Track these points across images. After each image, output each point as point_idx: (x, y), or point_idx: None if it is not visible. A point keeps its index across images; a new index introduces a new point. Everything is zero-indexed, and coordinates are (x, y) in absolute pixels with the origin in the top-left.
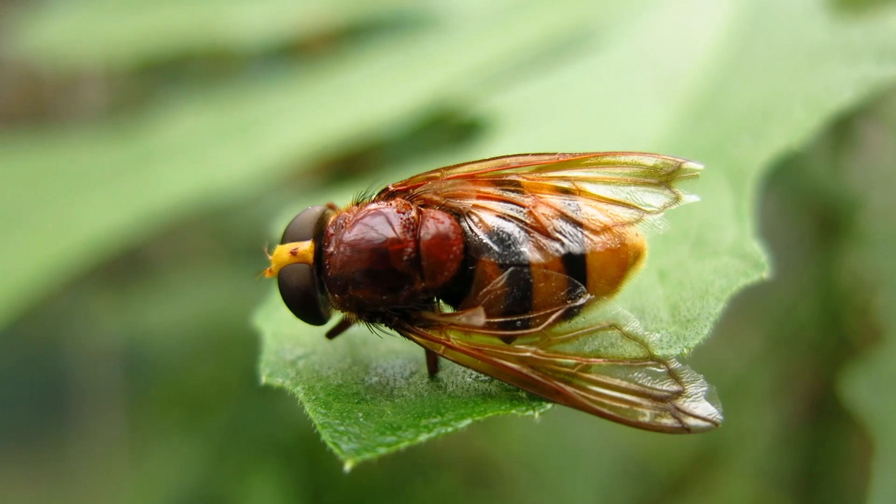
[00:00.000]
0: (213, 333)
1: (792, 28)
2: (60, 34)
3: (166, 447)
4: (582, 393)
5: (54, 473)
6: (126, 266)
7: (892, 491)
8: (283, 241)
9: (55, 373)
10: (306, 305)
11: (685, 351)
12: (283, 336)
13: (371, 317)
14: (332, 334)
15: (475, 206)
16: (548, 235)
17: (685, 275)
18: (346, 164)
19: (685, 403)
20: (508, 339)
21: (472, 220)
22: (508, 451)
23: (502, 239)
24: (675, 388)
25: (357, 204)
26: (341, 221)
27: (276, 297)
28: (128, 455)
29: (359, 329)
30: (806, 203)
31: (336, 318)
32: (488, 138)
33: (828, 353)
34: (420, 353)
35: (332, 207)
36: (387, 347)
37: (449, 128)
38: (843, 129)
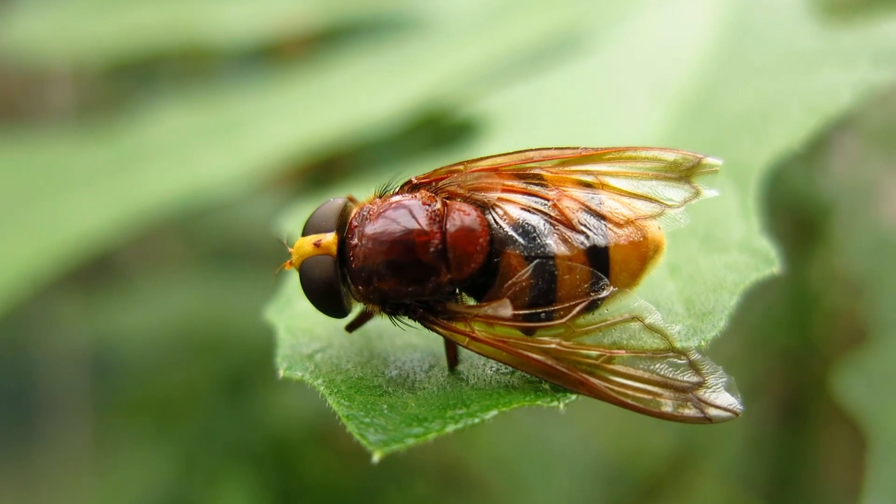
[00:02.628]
0: (183, 338)
1: (780, 32)
2: (31, 32)
3: (135, 454)
4: (606, 384)
5: (21, 481)
6: (94, 269)
7: (887, 486)
8: (304, 234)
9: (21, 378)
10: (329, 297)
11: (703, 343)
12: (297, 330)
13: (395, 309)
14: (351, 327)
15: (500, 199)
16: (572, 228)
17: (696, 270)
18: (323, 169)
19: (706, 394)
20: (529, 332)
21: (496, 212)
22: (482, 456)
23: (527, 231)
24: (695, 378)
25: (380, 196)
26: (365, 213)
27: (287, 292)
28: (95, 462)
29: (374, 323)
30: (781, 208)
31: (356, 311)
32: (480, 140)
33: (800, 356)
34: (437, 346)
35: (352, 200)
36: (403, 341)
37: (429, 132)
38: (817, 137)
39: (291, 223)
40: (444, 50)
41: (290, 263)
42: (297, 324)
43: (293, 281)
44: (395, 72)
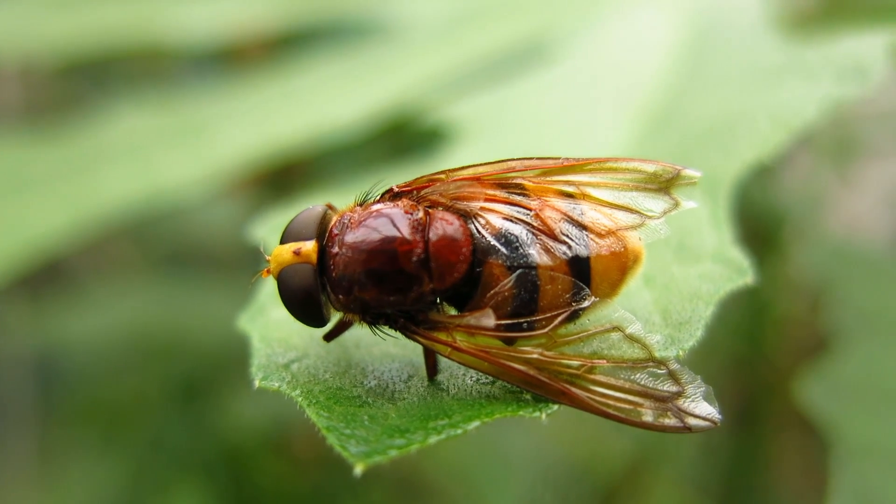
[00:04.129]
0: (134, 345)
1: (742, 47)
2: None
3: (82, 464)
4: (587, 394)
5: None
6: (42, 273)
7: (850, 489)
8: (282, 241)
9: None
10: (308, 306)
11: (680, 353)
12: (271, 339)
13: (375, 318)
14: (329, 336)
15: (482, 209)
16: (555, 238)
17: (671, 280)
18: (280, 176)
19: (685, 403)
20: (510, 341)
21: (478, 222)
22: (440, 464)
23: (510, 241)
24: (675, 388)
25: (360, 205)
26: (346, 221)
27: (260, 300)
28: (41, 472)
29: (351, 332)
30: (735, 218)
31: (333, 320)
32: (445, 149)
33: (753, 363)
34: (415, 356)
35: (330, 208)
36: (381, 351)
37: (388, 141)
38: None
39: (263, 230)
40: (409, 56)
41: (268, 271)
42: (271, 333)
43: (266, 289)
44: (360, 77)
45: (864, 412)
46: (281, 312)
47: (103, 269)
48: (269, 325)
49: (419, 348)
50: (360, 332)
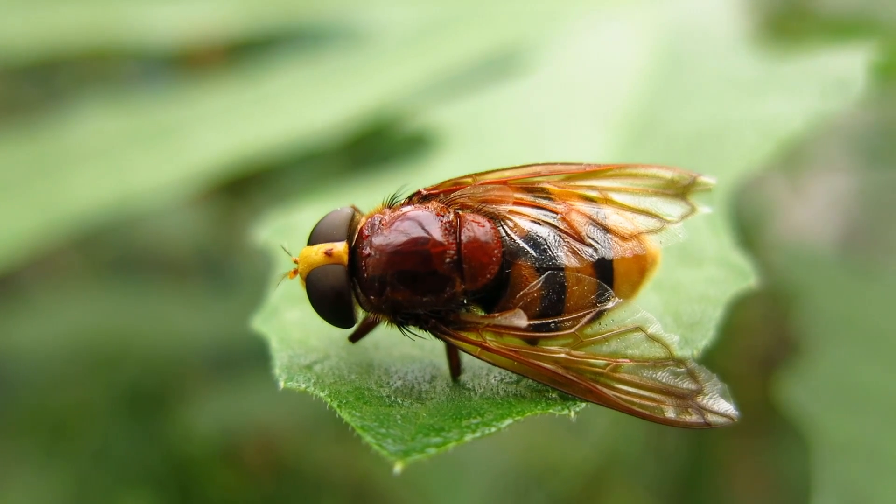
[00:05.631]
0: (79, 354)
1: (714, 60)
2: None
3: (22, 476)
4: (612, 392)
5: None
6: None
7: (833, 487)
8: (310, 243)
9: None
10: (339, 307)
11: (694, 352)
12: (291, 341)
13: (406, 319)
14: (355, 337)
15: (510, 212)
16: (581, 241)
17: (677, 283)
18: (229, 188)
19: (704, 400)
20: (533, 341)
21: (507, 224)
22: (392, 471)
23: (538, 243)
24: (694, 386)
25: (389, 206)
26: (376, 223)
27: (273, 302)
28: None
29: (369, 334)
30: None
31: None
32: (426, 156)
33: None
34: (435, 357)
35: (356, 210)
36: (400, 352)
37: (347, 153)
38: None
39: (265, 233)
40: (382, 63)
41: (295, 272)
42: (289, 334)
43: (277, 291)
44: (333, 82)
45: (842, 412)
46: (295, 314)
47: (49, 276)
48: (285, 327)
49: (437, 349)
50: (377, 334)
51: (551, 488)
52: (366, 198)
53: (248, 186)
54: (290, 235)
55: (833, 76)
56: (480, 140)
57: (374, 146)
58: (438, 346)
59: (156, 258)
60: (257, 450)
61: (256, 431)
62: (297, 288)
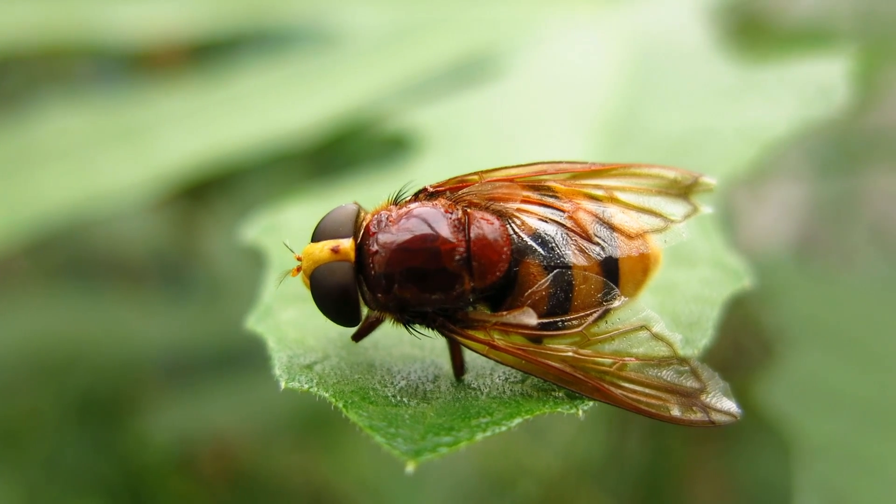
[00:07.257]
0: (27, 361)
1: (689, 67)
2: None
3: None
4: (619, 390)
5: None
6: None
7: (814, 486)
8: (314, 239)
9: None
10: (345, 305)
11: (695, 352)
12: (288, 341)
13: (412, 317)
14: (358, 336)
15: (518, 210)
16: (588, 239)
17: (672, 284)
18: (190, 195)
19: (708, 399)
20: (539, 340)
21: (514, 222)
22: (352, 478)
23: (546, 241)
24: (697, 384)
25: (395, 203)
26: (383, 219)
27: (266, 302)
28: None
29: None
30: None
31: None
32: (404, 159)
33: None
34: (436, 356)
35: (360, 207)
36: (400, 352)
37: (306, 160)
38: None
39: (253, 231)
40: (355, 66)
41: (298, 270)
42: (286, 334)
43: (270, 291)
44: (305, 84)
45: (819, 414)
46: (290, 313)
47: None
48: (281, 327)
49: (437, 349)
50: (377, 335)
51: (512, 495)
52: (345, 200)
53: (207, 191)
54: (277, 234)
55: (813, 84)
56: (456, 144)
57: (337, 151)
58: (438, 345)
59: (110, 263)
60: (213, 458)
61: (213, 439)
62: (289, 287)
